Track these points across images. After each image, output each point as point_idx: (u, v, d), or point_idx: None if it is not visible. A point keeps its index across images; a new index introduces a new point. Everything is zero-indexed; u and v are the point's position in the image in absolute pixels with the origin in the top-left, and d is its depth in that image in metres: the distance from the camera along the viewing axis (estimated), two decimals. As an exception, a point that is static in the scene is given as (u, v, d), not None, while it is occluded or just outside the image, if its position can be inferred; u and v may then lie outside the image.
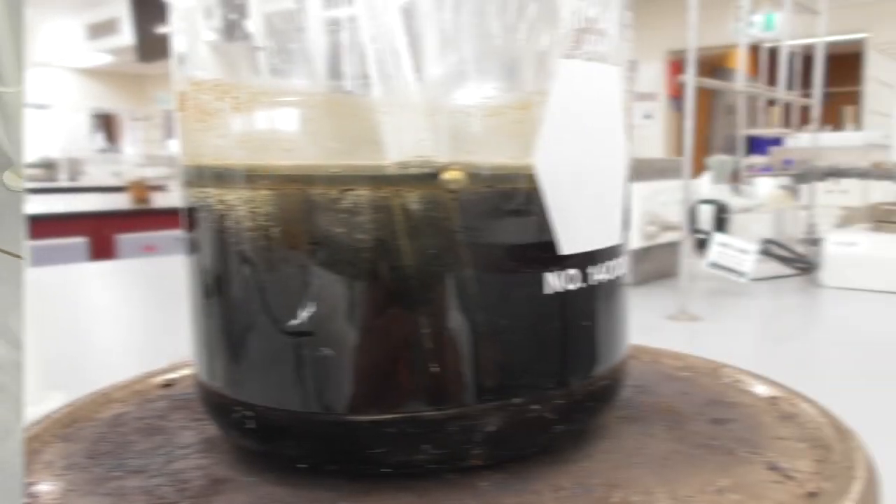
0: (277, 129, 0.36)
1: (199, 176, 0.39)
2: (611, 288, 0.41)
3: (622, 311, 0.44)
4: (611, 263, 0.41)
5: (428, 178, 0.35)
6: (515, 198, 0.36)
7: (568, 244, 0.38)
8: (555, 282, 0.38)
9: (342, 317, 0.36)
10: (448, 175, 0.35)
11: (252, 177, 0.36)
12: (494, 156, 0.36)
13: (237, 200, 0.37)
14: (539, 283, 0.37)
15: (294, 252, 0.36)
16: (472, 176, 0.35)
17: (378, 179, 0.35)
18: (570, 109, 0.38)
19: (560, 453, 0.41)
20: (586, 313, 0.40)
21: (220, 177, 0.38)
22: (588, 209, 0.39)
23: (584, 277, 0.39)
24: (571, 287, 0.38)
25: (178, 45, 0.40)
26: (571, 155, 0.38)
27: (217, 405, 0.40)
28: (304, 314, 0.36)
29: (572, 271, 0.38)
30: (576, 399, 0.40)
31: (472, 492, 0.36)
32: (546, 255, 0.37)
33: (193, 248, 0.41)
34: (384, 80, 0.34)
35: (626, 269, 0.44)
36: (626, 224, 0.43)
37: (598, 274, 0.40)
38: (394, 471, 0.37)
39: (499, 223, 0.36)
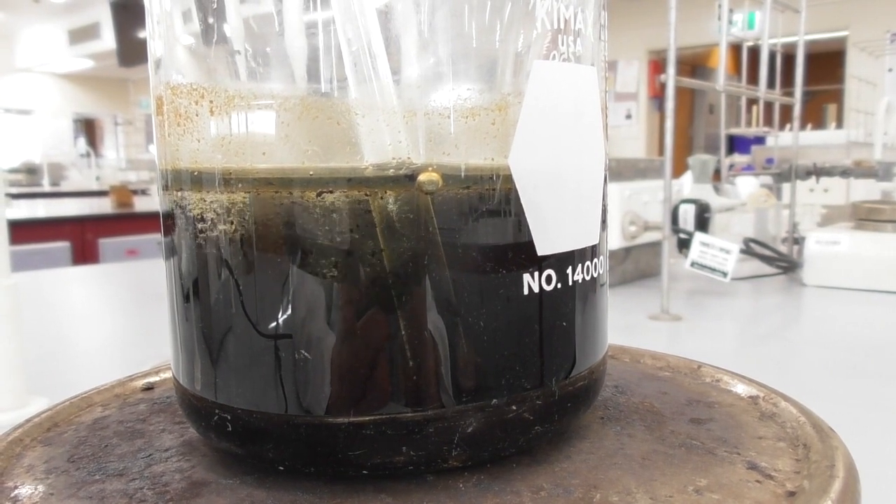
0: (254, 133, 0.36)
1: (177, 180, 0.39)
2: (589, 288, 0.42)
3: (601, 311, 0.44)
4: (589, 264, 0.41)
5: (405, 179, 0.35)
6: (492, 199, 0.36)
7: (545, 245, 0.38)
8: (532, 283, 0.38)
9: (320, 319, 0.36)
10: (425, 177, 0.35)
11: (229, 180, 0.36)
12: (471, 157, 0.36)
13: (214, 204, 0.37)
14: (517, 283, 0.37)
15: (271, 255, 0.36)
16: (449, 177, 0.35)
17: (355, 182, 0.35)
18: (545, 110, 0.38)
19: (539, 454, 0.41)
20: (565, 314, 0.40)
21: (198, 180, 0.38)
22: (565, 210, 0.39)
23: (562, 278, 0.39)
24: (549, 288, 0.38)
25: (154, 49, 0.40)
26: (547, 156, 0.38)
27: (196, 408, 0.40)
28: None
29: (550, 272, 0.38)
30: (555, 399, 0.40)
31: (451, 493, 0.36)
32: (523, 256, 0.37)
33: (171, 251, 0.41)
34: (361, 82, 0.34)
35: (604, 269, 0.44)
36: (604, 224, 0.43)
37: (577, 274, 0.40)
38: (373, 473, 0.37)
39: (476, 225, 0.36)
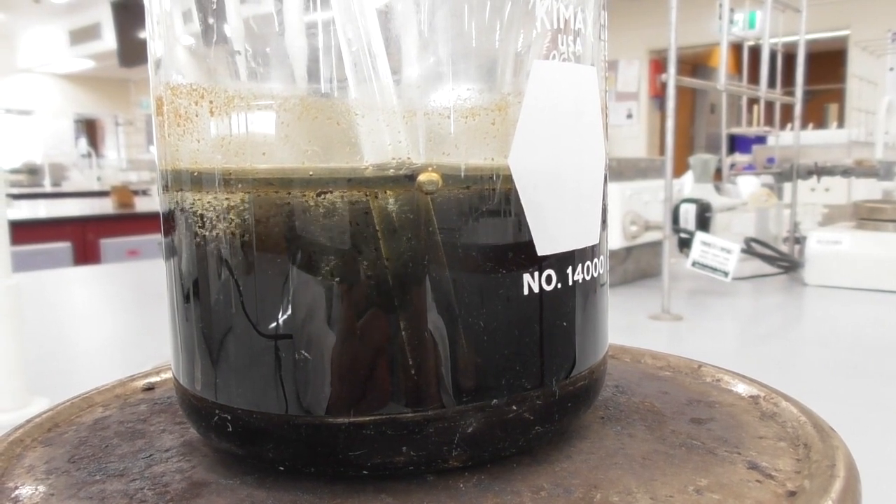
0: (254, 133, 0.36)
1: (177, 180, 0.39)
2: (589, 288, 0.42)
3: (601, 310, 0.44)
4: (589, 263, 0.41)
5: (405, 179, 0.35)
6: (492, 199, 0.36)
7: (544, 245, 0.38)
8: (532, 282, 0.38)
9: (320, 319, 0.36)
10: (424, 177, 0.35)
11: (229, 181, 0.36)
12: (471, 157, 0.36)
13: (214, 204, 0.37)
14: (517, 283, 0.37)
15: (271, 255, 0.36)
16: (449, 177, 0.35)
17: (355, 182, 0.35)
18: (545, 110, 0.38)
19: (540, 454, 0.41)
20: (565, 314, 0.40)
21: (197, 181, 0.38)
22: (565, 210, 0.39)
23: (562, 278, 0.39)
24: (549, 288, 0.38)
25: (154, 49, 0.40)
26: (547, 156, 0.38)
27: (196, 409, 0.40)
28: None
29: (550, 272, 0.38)
30: (555, 399, 0.40)
31: (451, 493, 0.36)
32: (523, 256, 0.37)
33: (171, 252, 0.41)
34: (361, 82, 0.34)
35: (605, 268, 0.44)
36: (604, 224, 0.43)
37: (577, 274, 0.40)
38: (373, 473, 0.37)
39: (475, 225, 0.36)
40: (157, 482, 0.39)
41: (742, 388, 0.51)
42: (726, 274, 1.53)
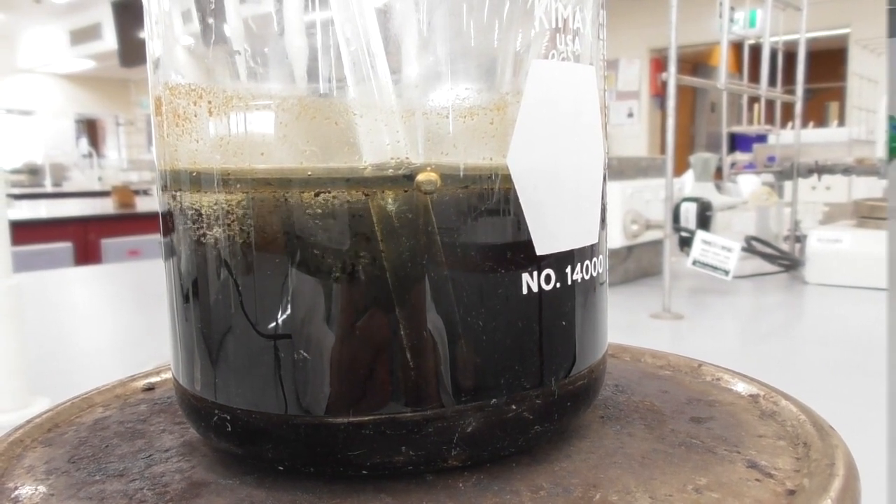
0: (252, 133, 0.36)
1: (176, 180, 0.39)
2: (589, 287, 0.41)
3: (601, 310, 0.44)
4: (588, 263, 0.41)
5: (403, 179, 0.35)
6: (491, 199, 0.36)
7: (543, 244, 0.38)
8: (531, 282, 0.38)
9: (319, 319, 0.36)
10: (423, 176, 0.35)
11: (227, 181, 0.36)
12: (469, 157, 0.36)
13: (213, 204, 0.37)
14: (516, 283, 0.37)
15: (270, 255, 0.36)
16: (448, 177, 0.35)
17: (353, 182, 0.35)
18: (544, 110, 0.38)
19: (539, 453, 0.41)
20: (564, 313, 0.40)
21: (196, 181, 0.38)
22: (564, 209, 0.39)
23: (561, 277, 0.39)
24: (548, 287, 0.38)
25: (153, 49, 0.40)
26: (546, 155, 0.38)
27: (195, 409, 0.40)
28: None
29: (549, 271, 0.38)
30: (554, 399, 0.40)
31: (450, 493, 0.36)
32: (522, 255, 0.37)
33: (170, 252, 0.41)
34: (359, 82, 0.34)
35: (604, 268, 0.44)
36: (603, 223, 0.43)
37: (576, 273, 0.40)
38: (372, 472, 0.37)
39: (474, 224, 0.36)
40: (156, 482, 0.39)
41: (742, 387, 0.51)
42: (727, 272, 1.53)
